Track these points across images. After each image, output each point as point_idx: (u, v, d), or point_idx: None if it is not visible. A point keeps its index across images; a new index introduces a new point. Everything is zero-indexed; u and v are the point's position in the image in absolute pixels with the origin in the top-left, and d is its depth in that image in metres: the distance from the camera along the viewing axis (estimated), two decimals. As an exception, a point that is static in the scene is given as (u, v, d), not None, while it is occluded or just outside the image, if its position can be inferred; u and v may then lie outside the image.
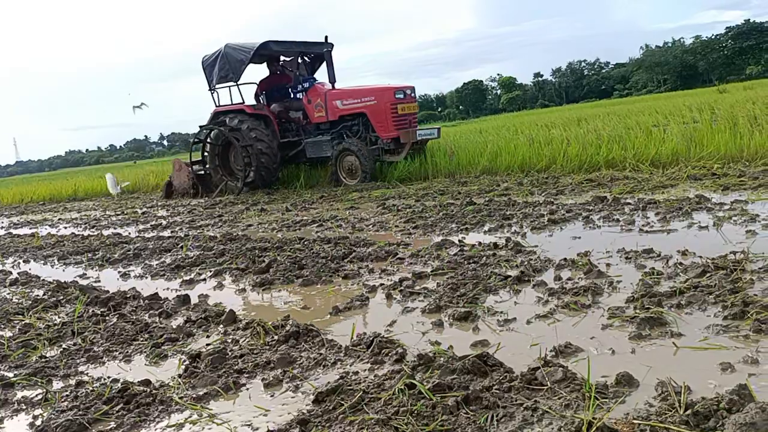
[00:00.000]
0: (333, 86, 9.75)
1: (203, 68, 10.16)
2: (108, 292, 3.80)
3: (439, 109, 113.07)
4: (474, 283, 3.03)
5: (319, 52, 10.08)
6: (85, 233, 7.23)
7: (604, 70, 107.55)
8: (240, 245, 4.90)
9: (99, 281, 4.36)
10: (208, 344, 2.66)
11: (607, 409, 1.64)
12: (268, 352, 2.44)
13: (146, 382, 2.26)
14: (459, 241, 4.07)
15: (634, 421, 1.52)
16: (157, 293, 3.61)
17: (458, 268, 3.38)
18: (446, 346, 2.29)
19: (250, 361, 2.36)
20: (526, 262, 3.32)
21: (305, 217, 6.18)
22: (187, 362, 2.43)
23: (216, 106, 10.19)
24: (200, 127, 10.31)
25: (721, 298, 2.36)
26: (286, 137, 9.97)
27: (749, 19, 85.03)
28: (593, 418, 1.55)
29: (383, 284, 3.29)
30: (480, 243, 3.91)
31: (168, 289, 3.87)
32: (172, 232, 6.41)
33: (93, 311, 3.41)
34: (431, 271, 3.40)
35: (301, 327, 2.60)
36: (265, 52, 9.78)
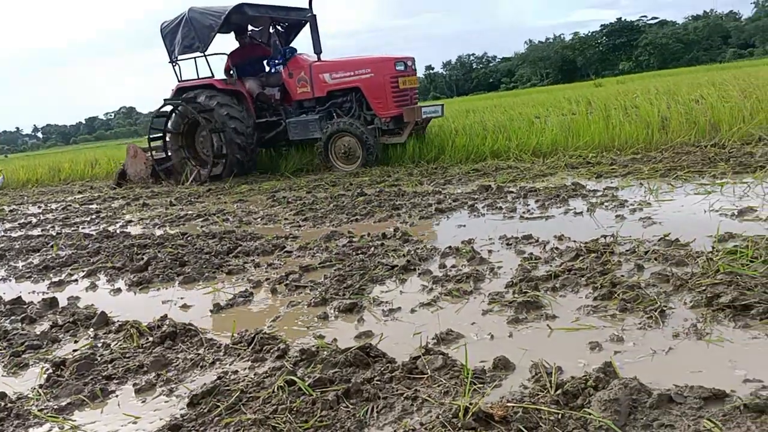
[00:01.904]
0: (319, 58, 8.41)
1: (162, 36, 8.78)
2: (-37, 298, 3.44)
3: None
4: (361, 273, 3.01)
5: (297, 20, 8.99)
6: (-58, 234, 6.55)
7: (491, 64, 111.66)
8: (117, 243, 4.61)
9: (-46, 287, 3.95)
10: (75, 350, 2.46)
11: (483, 394, 1.67)
12: (142, 356, 2.29)
13: (1, 396, 2.05)
14: (348, 232, 4.04)
15: (508, 404, 1.55)
16: (20, 297, 3.31)
17: (346, 259, 3.35)
18: (331, 339, 2.25)
19: (120, 365, 2.21)
20: (412, 251, 3.34)
21: (190, 212, 5.93)
22: (50, 371, 2.24)
23: (179, 81, 8.86)
24: (166, 100, 8.84)
25: (591, 280, 2.47)
26: (262, 117, 8.72)
27: (621, 18, 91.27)
28: (470, 403, 1.56)
29: (269, 279, 3.20)
30: (369, 233, 3.90)
31: (34, 292, 3.56)
32: (42, 230, 5.95)
33: (-56, 320, 3.07)
34: (319, 264, 3.35)
35: (179, 327, 2.47)
36: (237, 18, 8.52)
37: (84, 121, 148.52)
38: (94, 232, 5.27)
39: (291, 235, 4.23)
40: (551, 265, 2.79)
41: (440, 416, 1.55)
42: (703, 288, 2.20)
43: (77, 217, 6.67)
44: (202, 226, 5.07)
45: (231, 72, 8.84)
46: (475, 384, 1.72)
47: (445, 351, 1.97)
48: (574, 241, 3.12)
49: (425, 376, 1.81)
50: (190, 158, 8.99)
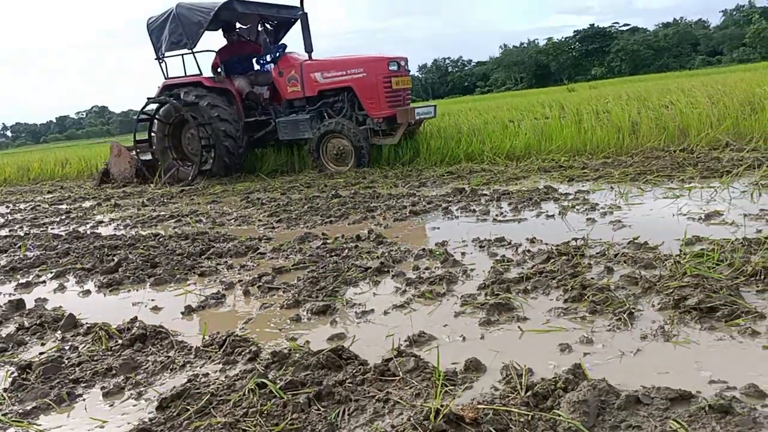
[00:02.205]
0: (310, 56, 8.31)
1: (149, 32, 8.57)
2: (-75, 300, 3.36)
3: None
4: (334, 275, 3.01)
5: (286, 18, 8.86)
6: None
7: (466, 68, 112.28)
8: (87, 243, 4.53)
9: None
10: (42, 353, 2.41)
11: (454, 396, 1.67)
12: (111, 358, 2.25)
13: (-36, 400, 2.01)
14: (322, 234, 4.03)
15: (479, 406, 1.56)
16: (-15, 299, 3.24)
17: (320, 261, 3.34)
18: (303, 341, 2.25)
19: (88, 368, 2.17)
20: (386, 253, 3.34)
21: (163, 213, 5.86)
22: (16, 374, 2.19)
23: (165, 78, 8.67)
24: (148, 98, 8.62)
25: (562, 283, 2.50)
26: (251, 116, 8.52)
27: (594, 24, 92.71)
28: (441, 405, 1.57)
29: (242, 280, 3.18)
30: (343, 235, 3.89)
31: (0, 293, 3.49)
32: (10, 230, 5.83)
33: None
34: (292, 266, 3.33)
35: (149, 329, 2.44)
36: (225, 15, 8.36)
37: (55, 120, 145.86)
38: (63, 233, 5.18)
39: (264, 237, 4.20)
40: (523, 268, 2.81)
41: (411, 418, 1.55)
42: (671, 290, 2.24)
43: (46, 217, 6.55)
44: (174, 227, 5.01)
45: (219, 69, 8.66)
46: (446, 386, 1.73)
47: (417, 353, 1.97)
48: (546, 244, 3.16)
49: (397, 378, 1.81)
50: (173, 149, 8.76)
